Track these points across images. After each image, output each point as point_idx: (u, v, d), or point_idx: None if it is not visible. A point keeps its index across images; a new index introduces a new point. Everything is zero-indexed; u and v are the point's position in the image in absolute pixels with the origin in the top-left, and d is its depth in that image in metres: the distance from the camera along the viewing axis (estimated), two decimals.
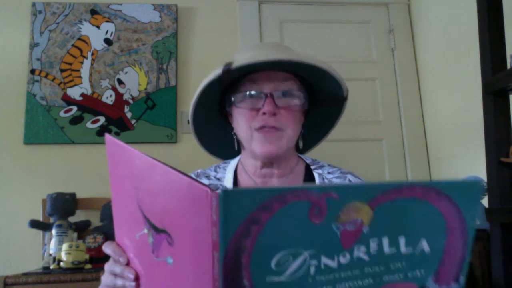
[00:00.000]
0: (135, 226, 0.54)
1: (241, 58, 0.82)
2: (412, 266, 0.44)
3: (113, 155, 0.59)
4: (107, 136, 0.58)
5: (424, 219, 0.44)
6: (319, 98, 0.90)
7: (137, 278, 0.57)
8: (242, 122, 0.83)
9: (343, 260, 0.41)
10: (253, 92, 0.81)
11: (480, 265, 1.34)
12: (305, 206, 0.38)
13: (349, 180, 0.90)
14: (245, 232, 0.36)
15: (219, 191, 0.36)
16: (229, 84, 0.84)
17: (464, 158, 1.89)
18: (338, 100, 0.90)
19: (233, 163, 0.96)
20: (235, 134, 0.89)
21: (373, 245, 0.42)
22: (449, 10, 1.99)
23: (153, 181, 0.48)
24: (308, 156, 0.98)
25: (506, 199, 1.20)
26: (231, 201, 0.35)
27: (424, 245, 0.44)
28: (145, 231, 0.51)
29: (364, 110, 2.24)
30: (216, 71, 0.80)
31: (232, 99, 0.84)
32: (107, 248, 0.61)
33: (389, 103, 2.27)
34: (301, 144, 0.91)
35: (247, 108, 0.82)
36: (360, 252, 0.41)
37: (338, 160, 1.00)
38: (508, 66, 1.24)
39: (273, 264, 0.38)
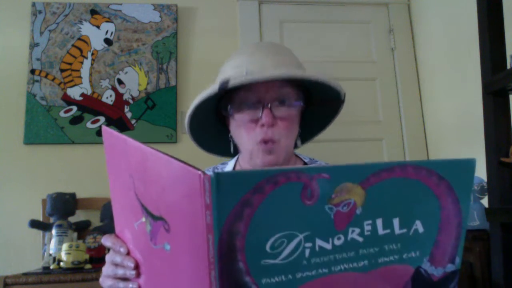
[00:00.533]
0: (133, 216, 0.54)
1: (236, 66, 0.81)
2: (407, 247, 0.45)
3: (110, 146, 0.59)
4: (104, 127, 0.59)
5: (417, 199, 0.44)
6: (316, 99, 0.90)
7: (137, 267, 0.57)
8: (243, 135, 0.83)
9: (337, 242, 0.41)
10: (250, 102, 0.81)
11: (480, 265, 1.34)
12: (297, 187, 0.38)
13: None
14: (238, 215, 0.37)
15: (212, 174, 0.36)
16: (223, 92, 0.84)
17: None
18: (334, 101, 0.90)
19: (230, 164, 0.97)
20: (231, 137, 0.89)
21: (367, 227, 0.42)
22: (449, 10, 1.99)
23: (147, 168, 0.48)
24: (307, 155, 0.98)
25: (506, 199, 1.20)
26: (223, 184, 0.36)
27: (418, 226, 0.45)
28: (143, 219, 0.51)
29: (364, 110, 2.24)
30: (212, 88, 0.79)
31: (229, 108, 0.83)
32: (107, 241, 0.62)
33: (389, 103, 2.27)
34: (299, 144, 0.91)
35: (246, 120, 0.81)
36: (354, 234, 0.42)
37: (338, 160, 1.00)
38: (508, 66, 1.24)
39: (268, 247, 0.38)
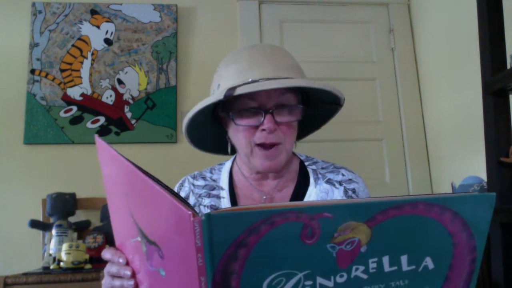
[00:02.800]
0: (130, 231, 0.52)
1: (238, 71, 0.81)
2: (415, 283, 0.43)
3: (104, 159, 0.57)
4: (97, 138, 0.56)
5: (428, 236, 0.42)
6: (314, 101, 0.90)
7: (134, 276, 0.56)
8: (242, 138, 0.83)
9: (340, 279, 0.39)
10: (252, 109, 0.81)
11: (480, 265, 1.34)
12: (296, 227, 0.37)
13: (343, 174, 0.90)
14: (233, 255, 0.35)
15: (202, 216, 0.34)
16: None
17: (464, 158, 1.89)
18: (333, 105, 0.90)
19: (227, 164, 0.97)
20: (229, 138, 0.89)
21: (372, 264, 0.40)
22: (449, 10, 1.99)
23: (140, 193, 0.46)
24: (304, 154, 0.98)
25: (506, 199, 1.20)
26: (215, 226, 0.34)
27: (428, 262, 0.43)
28: (138, 238, 0.49)
29: (364, 110, 2.24)
30: (217, 96, 0.78)
31: (230, 114, 0.83)
32: (106, 253, 0.61)
33: (389, 103, 2.27)
34: (296, 143, 0.92)
35: (247, 125, 0.82)
36: (358, 272, 0.40)
37: (338, 160, 1.00)
38: (508, 66, 1.24)
39: (265, 285, 0.37)
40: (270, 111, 0.80)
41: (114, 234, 0.62)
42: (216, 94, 0.80)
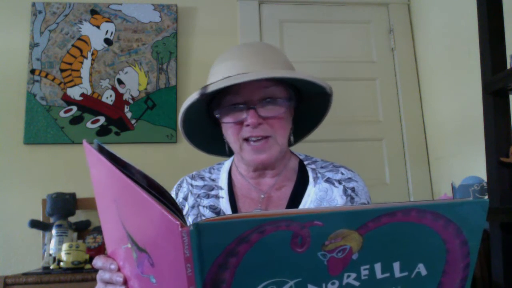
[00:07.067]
0: (120, 238, 0.52)
1: (227, 70, 0.81)
2: None
3: (92, 164, 0.57)
4: (85, 143, 0.55)
5: (421, 242, 0.42)
6: (305, 94, 0.90)
7: (126, 283, 0.56)
8: (230, 135, 0.84)
9: (331, 286, 0.39)
10: (235, 105, 0.82)
11: (480, 265, 1.34)
12: (287, 235, 0.36)
13: (342, 173, 0.90)
14: (223, 264, 0.35)
15: (190, 227, 0.34)
16: (213, 96, 0.84)
17: (464, 158, 1.89)
18: (323, 95, 0.90)
19: (226, 164, 0.97)
20: (225, 138, 0.90)
21: (364, 271, 0.40)
22: (449, 10, 1.99)
23: (128, 200, 0.46)
24: (303, 153, 0.98)
25: (506, 199, 1.20)
26: (204, 236, 0.34)
27: (421, 269, 0.43)
28: (129, 245, 0.49)
29: (364, 110, 2.23)
30: (194, 95, 0.80)
31: (217, 112, 0.84)
32: (98, 261, 0.61)
33: (389, 103, 2.27)
34: (292, 140, 0.92)
35: (233, 122, 0.82)
36: (350, 279, 0.40)
37: (338, 160, 1.00)
38: (508, 66, 1.24)
39: None
40: (253, 106, 0.80)
41: (105, 240, 0.62)
42: (193, 94, 0.81)
